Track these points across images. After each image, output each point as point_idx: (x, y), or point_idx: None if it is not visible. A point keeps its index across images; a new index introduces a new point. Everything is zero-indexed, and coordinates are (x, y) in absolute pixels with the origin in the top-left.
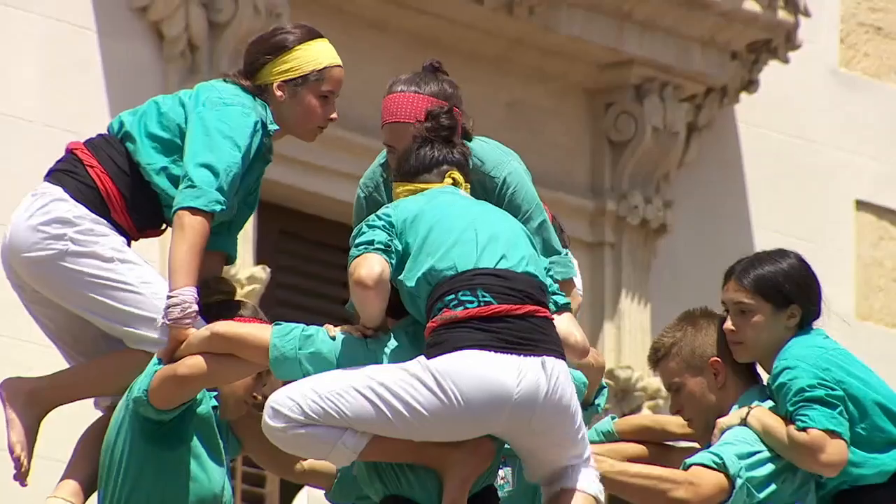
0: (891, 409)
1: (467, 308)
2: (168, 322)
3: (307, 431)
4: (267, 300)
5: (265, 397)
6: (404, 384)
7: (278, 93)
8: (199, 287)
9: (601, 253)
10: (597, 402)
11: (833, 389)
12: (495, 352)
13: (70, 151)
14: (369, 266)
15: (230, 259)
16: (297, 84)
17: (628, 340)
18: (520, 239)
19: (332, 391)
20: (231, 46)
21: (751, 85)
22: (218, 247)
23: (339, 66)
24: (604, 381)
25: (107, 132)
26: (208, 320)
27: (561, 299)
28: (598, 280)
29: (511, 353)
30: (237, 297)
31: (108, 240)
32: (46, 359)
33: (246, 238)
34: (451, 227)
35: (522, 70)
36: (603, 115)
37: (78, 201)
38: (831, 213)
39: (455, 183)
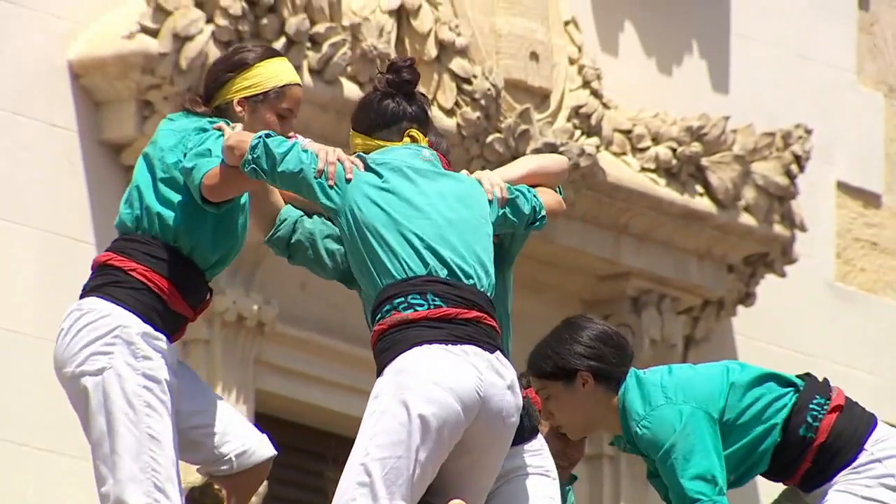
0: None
1: (417, 310)
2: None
3: None
4: None
5: None
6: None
7: (238, 108)
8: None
9: (599, 465)
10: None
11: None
12: (451, 344)
13: (102, 264)
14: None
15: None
16: (258, 101)
17: None
18: (477, 236)
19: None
20: None
21: (748, 298)
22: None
23: (298, 84)
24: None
25: (134, 232)
26: None
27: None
28: (596, 493)
29: (465, 344)
30: None
31: (155, 364)
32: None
33: None
34: (404, 229)
35: (519, 280)
36: None
37: (130, 310)
38: None
39: (413, 140)
